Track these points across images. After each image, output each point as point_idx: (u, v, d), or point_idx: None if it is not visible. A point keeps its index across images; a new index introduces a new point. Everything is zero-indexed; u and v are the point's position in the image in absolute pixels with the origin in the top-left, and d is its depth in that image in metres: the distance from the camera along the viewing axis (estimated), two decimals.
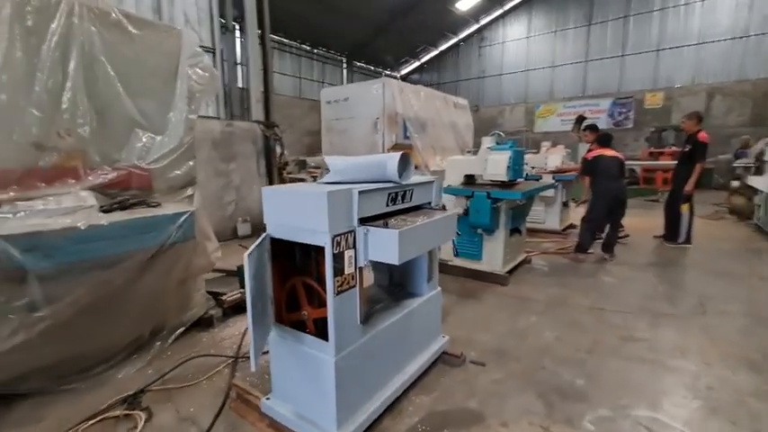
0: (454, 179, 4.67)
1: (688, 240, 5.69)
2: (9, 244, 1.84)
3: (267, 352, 2.13)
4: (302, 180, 8.23)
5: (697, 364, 2.73)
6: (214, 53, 6.38)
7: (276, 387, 2.12)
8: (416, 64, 23.24)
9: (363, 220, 1.90)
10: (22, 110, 2.26)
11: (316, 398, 1.90)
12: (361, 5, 16.23)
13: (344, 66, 20.78)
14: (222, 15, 6.66)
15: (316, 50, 18.99)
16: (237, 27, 7.10)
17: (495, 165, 4.24)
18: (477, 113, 20.95)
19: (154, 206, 2.62)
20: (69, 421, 2.18)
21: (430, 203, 2.47)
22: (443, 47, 21.82)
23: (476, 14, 19.32)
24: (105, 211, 2.42)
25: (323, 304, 1.84)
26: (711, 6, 14.71)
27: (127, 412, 2.26)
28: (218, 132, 6.27)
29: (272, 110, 7.40)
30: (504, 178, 4.17)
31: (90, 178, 2.54)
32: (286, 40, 17.23)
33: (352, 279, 1.87)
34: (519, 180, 4.55)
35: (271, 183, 6.85)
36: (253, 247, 1.67)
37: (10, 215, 2.08)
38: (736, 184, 8.24)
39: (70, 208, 2.29)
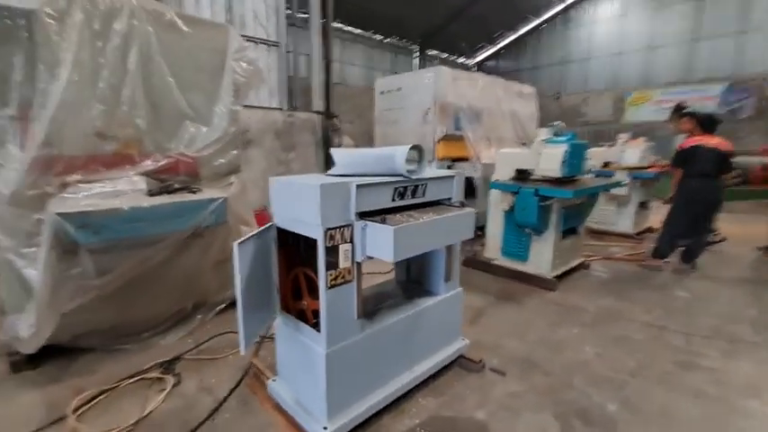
0: (505, 173, 4.38)
1: None
2: (65, 220, 2.14)
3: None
4: None
5: None
6: (279, 46, 6.69)
7: (281, 371, 2.21)
8: (493, 50, 22.11)
9: (366, 215, 1.86)
10: (89, 103, 2.59)
11: (311, 387, 1.93)
12: None
13: (416, 54, 20.51)
14: (289, 8, 6.95)
15: (387, 40, 18.99)
16: (303, 19, 7.36)
17: (548, 159, 3.88)
18: (557, 102, 19.39)
19: (195, 191, 2.85)
20: (114, 377, 2.50)
21: (450, 199, 2.34)
22: (523, 30, 20.42)
23: None
24: (153, 194, 2.70)
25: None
26: None
27: (160, 376, 2.52)
28: (280, 123, 6.61)
29: (332, 100, 7.61)
30: (558, 174, 3.80)
31: (144, 164, 2.85)
32: (357, 30, 17.47)
33: (349, 273, 1.85)
34: (577, 176, 4.13)
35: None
36: (246, 236, 1.73)
37: (73, 195, 2.42)
38: None
39: (122, 191, 2.60)
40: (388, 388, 2.14)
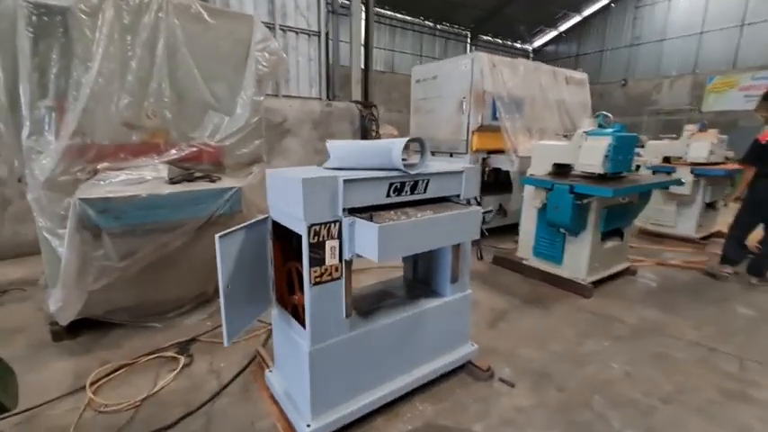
0: (541, 167, 4.06)
1: None
2: (87, 205, 2.29)
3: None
4: None
5: None
6: (319, 36, 6.71)
7: (276, 363, 2.22)
8: (553, 34, 20.69)
9: (357, 211, 1.78)
10: (118, 95, 2.74)
11: (298, 382, 1.91)
12: None
13: (468, 41, 19.75)
14: None
15: (438, 26, 18.46)
16: (345, 6, 7.31)
17: (589, 153, 3.52)
18: (623, 89, 17.75)
19: (214, 180, 2.93)
20: (136, 352, 2.68)
21: (458, 196, 2.18)
22: (588, 12, 18.83)
23: None
24: (174, 182, 2.81)
25: None
26: None
27: (175, 355, 2.65)
28: (317, 112, 6.68)
29: (371, 89, 7.54)
30: (600, 170, 3.44)
31: (169, 153, 2.97)
32: (408, 17, 17.15)
33: (336, 271, 1.78)
34: (624, 173, 3.72)
35: None
36: (231, 229, 1.72)
37: (100, 182, 2.58)
38: None
39: (146, 178, 2.73)
40: (381, 390, 2.06)
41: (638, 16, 17.33)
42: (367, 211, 1.82)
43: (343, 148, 1.93)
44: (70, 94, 2.57)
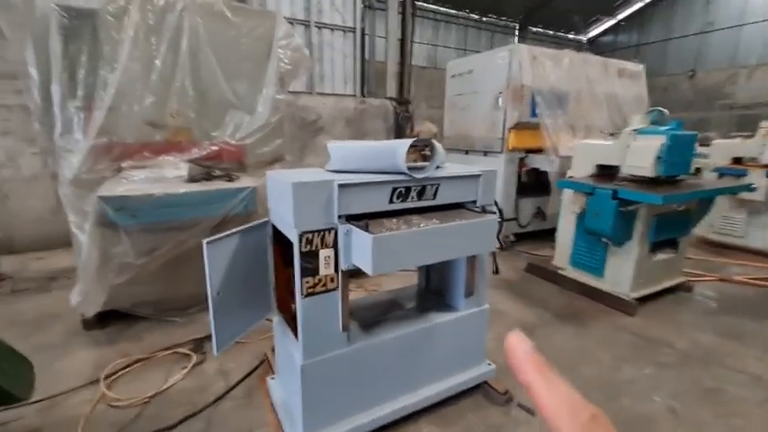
0: (583, 169, 3.70)
1: None
2: (105, 203, 2.35)
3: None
4: None
5: None
6: (354, 32, 6.63)
7: (278, 371, 2.15)
8: (610, 23, 19.21)
9: (357, 218, 1.65)
10: (142, 94, 2.80)
11: (294, 395, 1.82)
12: None
13: (516, 33, 18.83)
14: None
15: (484, 18, 17.76)
16: (381, 2, 7.17)
17: (638, 154, 3.14)
18: (690, 80, 16.12)
19: (232, 179, 2.93)
20: (154, 346, 2.73)
21: (475, 202, 1.98)
22: None
23: None
24: (194, 180, 2.84)
25: None
26: None
27: (188, 352, 2.68)
28: (351, 110, 6.62)
29: (407, 85, 7.36)
30: (650, 173, 3.05)
31: (191, 152, 3.01)
32: (453, 10, 16.64)
33: (331, 282, 1.67)
34: (681, 177, 3.28)
35: None
36: (220, 235, 1.66)
37: (122, 180, 2.65)
38: None
39: (166, 176, 2.77)
40: (382, 410, 1.92)
41: (711, 0, 15.62)
42: (369, 218, 1.68)
43: (345, 150, 1.80)
44: (97, 94, 2.66)
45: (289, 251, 1.86)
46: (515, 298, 3.57)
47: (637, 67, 5.47)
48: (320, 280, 1.64)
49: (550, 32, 19.48)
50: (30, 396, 1.97)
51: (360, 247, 1.56)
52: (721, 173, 4.68)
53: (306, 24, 6.12)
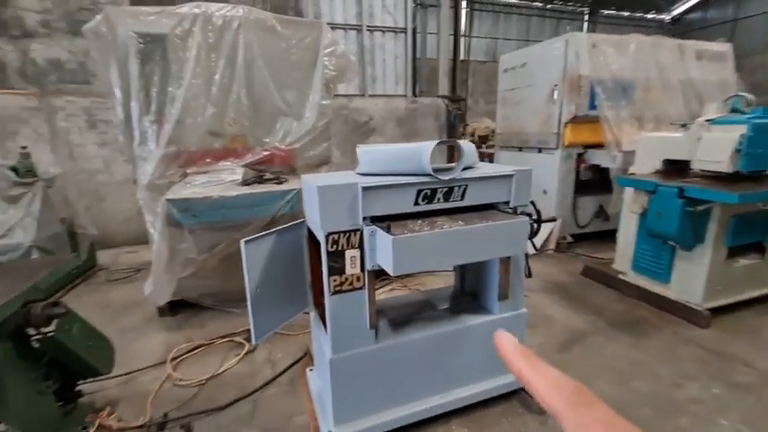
0: (648, 164, 3.39)
1: None
2: (171, 205, 2.65)
3: None
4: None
5: None
6: (406, 32, 6.66)
7: (315, 362, 2.27)
8: None
9: (383, 219, 1.70)
10: (204, 107, 3.10)
11: (325, 386, 1.92)
12: None
13: (586, 18, 17.51)
14: None
15: (549, 6, 16.75)
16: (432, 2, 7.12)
17: (712, 147, 2.81)
18: None
19: (281, 182, 3.13)
20: (214, 334, 3.03)
21: (508, 203, 1.93)
22: None
23: None
24: (247, 183, 3.08)
25: None
26: None
27: (242, 341, 2.93)
28: (402, 110, 6.67)
29: (460, 82, 7.23)
30: (727, 168, 2.71)
31: (246, 157, 3.27)
32: (514, 0, 15.95)
33: (357, 281, 1.73)
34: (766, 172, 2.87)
35: None
36: (256, 235, 1.80)
37: (187, 184, 2.97)
38: None
39: (223, 180, 3.05)
40: (412, 407, 1.95)
41: None
42: (395, 220, 1.73)
43: (373, 153, 1.85)
44: (167, 108, 3.00)
45: (321, 250, 1.97)
46: (567, 303, 3.37)
47: (721, 48, 4.83)
48: (347, 279, 1.71)
49: (625, 14, 17.83)
50: (110, 371, 2.31)
51: (383, 248, 1.61)
52: None
53: (358, 29, 6.29)
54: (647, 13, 17.90)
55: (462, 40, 7.06)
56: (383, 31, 6.57)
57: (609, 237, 4.60)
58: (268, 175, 3.18)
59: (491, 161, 6.52)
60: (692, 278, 2.98)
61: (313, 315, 2.17)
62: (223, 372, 2.60)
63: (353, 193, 1.63)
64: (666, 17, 18.14)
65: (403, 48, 6.78)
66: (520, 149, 5.12)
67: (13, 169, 3.56)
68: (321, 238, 1.66)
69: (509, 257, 2.00)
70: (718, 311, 2.95)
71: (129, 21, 2.92)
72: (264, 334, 1.89)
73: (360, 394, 1.86)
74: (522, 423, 2.06)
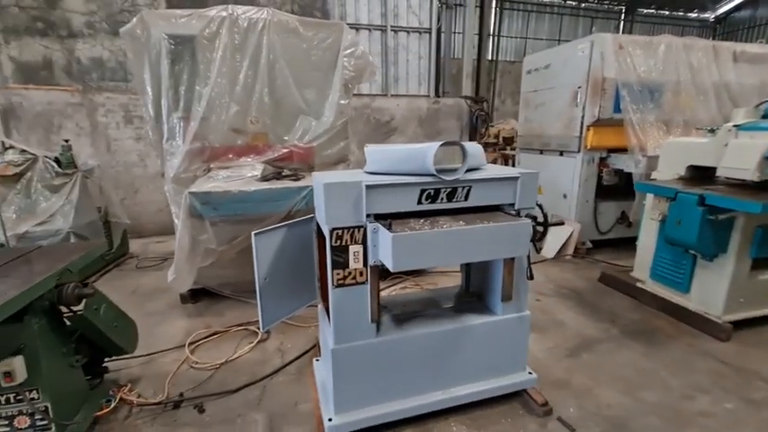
0: (671, 170, 3.30)
1: None
2: (193, 197, 2.81)
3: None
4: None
5: None
6: (430, 33, 6.67)
7: (321, 353, 2.35)
8: None
9: (386, 217, 1.76)
10: (228, 105, 3.25)
11: (328, 376, 2.00)
12: None
13: (622, 17, 16.88)
14: None
15: (583, 4, 16.26)
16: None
17: (738, 153, 2.71)
18: None
19: (298, 179, 3.24)
20: (231, 322, 3.17)
21: (513, 205, 1.94)
22: None
23: None
24: (266, 179, 3.21)
25: None
26: None
27: (256, 330, 3.06)
28: (424, 110, 6.69)
29: (484, 82, 7.17)
30: (753, 176, 2.60)
31: (266, 154, 3.40)
32: None
33: (360, 275, 1.80)
34: None
35: None
36: (266, 228, 1.89)
37: (210, 178, 3.12)
38: None
39: (244, 176, 3.18)
40: (411, 402, 2.00)
41: None
42: (399, 218, 1.78)
43: (380, 153, 1.91)
44: (194, 106, 3.16)
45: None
46: (580, 309, 3.32)
47: (761, 49, 4.59)
48: (350, 273, 1.78)
49: (665, 13, 17.06)
50: (134, 351, 2.48)
51: (384, 245, 1.67)
52: None
53: (382, 29, 6.35)
54: (689, 11, 17.06)
55: (491, 39, 7.01)
56: (408, 32, 6.60)
57: (631, 244, 4.47)
58: (286, 172, 3.30)
59: (513, 164, 6.44)
60: (713, 289, 2.87)
61: (320, 307, 2.25)
62: (236, 358, 2.72)
63: (358, 190, 1.70)
64: (710, 16, 17.23)
65: (427, 48, 6.79)
66: (541, 152, 5.04)
67: (56, 161, 3.84)
68: (326, 232, 1.73)
69: (513, 259, 2.02)
70: (739, 325, 2.83)
71: (162, 23, 3.10)
72: (272, 322, 1.99)
73: (360, 385, 1.93)
74: (523, 425, 2.07)
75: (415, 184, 1.76)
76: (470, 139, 6.95)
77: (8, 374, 1.66)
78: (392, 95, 6.67)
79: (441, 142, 1.74)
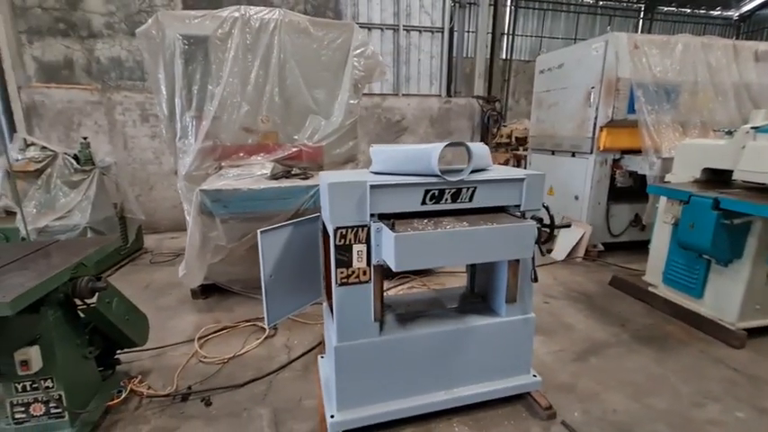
0: (686, 173, 3.23)
1: None
2: (204, 195, 2.86)
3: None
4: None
5: None
6: (442, 32, 6.64)
7: (326, 350, 2.38)
8: None
9: (390, 217, 1.77)
10: (239, 104, 3.30)
11: (331, 372, 2.02)
12: None
13: (641, 15, 16.50)
14: None
15: (601, 2, 15.95)
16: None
17: (756, 157, 2.64)
18: None
19: (307, 177, 3.28)
20: (240, 317, 3.23)
21: (519, 207, 1.93)
22: None
23: None
24: (276, 177, 3.25)
25: None
26: None
27: (263, 326, 3.10)
28: (435, 109, 6.67)
29: (496, 82, 7.11)
30: None
31: (276, 153, 3.45)
32: None
33: (364, 274, 1.81)
34: None
35: None
36: (272, 226, 1.92)
37: (221, 176, 3.18)
38: None
39: (254, 174, 3.23)
40: (413, 401, 2.01)
41: None
42: (403, 218, 1.79)
43: (386, 153, 1.92)
44: (206, 105, 3.22)
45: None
46: (590, 313, 3.27)
47: None
48: (353, 272, 1.80)
49: (687, 11, 16.62)
50: (145, 343, 2.55)
51: (387, 245, 1.68)
52: None
53: (395, 29, 6.35)
54: (711, 9, 16.58)
55: (505, 38, 6.94)
56: (420, 31, 6.58)
57: (644, 247, 4.38)
58: (295, 171, 3.33)
59: (525, 165, 6.38)
60: (727, 295, 2.80)
61: (325, 305, 2.28)
62: (244, 353, 2.77)
63: (362, 190, 1.71)
64: (734, 14, 16.72)
65: (439, 47, 6.76)
66: (552, 153, 4.98)
67: (75, 157, 3.95)
68: (330, 231, 1.75)
69: (518, 261, 2.00)
70: (754, 333, 2.76)
71: (177, 24, 3.17)
72: (277, 318, 2.02)
73: (363, 383, 1.94)
74: (526, 428, 2.05)
75: (419, 185, 1.77)
76: (482, 140, 6.90)
77: (25, 363, 1.73)
78: (403, 95, 6.67)
79: (446, 143, 1.74)
